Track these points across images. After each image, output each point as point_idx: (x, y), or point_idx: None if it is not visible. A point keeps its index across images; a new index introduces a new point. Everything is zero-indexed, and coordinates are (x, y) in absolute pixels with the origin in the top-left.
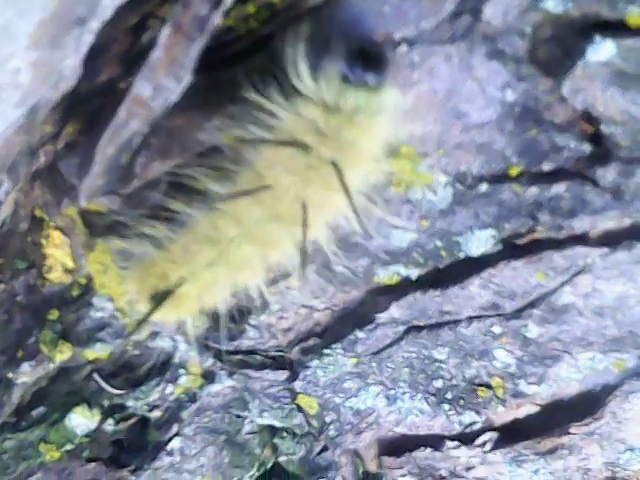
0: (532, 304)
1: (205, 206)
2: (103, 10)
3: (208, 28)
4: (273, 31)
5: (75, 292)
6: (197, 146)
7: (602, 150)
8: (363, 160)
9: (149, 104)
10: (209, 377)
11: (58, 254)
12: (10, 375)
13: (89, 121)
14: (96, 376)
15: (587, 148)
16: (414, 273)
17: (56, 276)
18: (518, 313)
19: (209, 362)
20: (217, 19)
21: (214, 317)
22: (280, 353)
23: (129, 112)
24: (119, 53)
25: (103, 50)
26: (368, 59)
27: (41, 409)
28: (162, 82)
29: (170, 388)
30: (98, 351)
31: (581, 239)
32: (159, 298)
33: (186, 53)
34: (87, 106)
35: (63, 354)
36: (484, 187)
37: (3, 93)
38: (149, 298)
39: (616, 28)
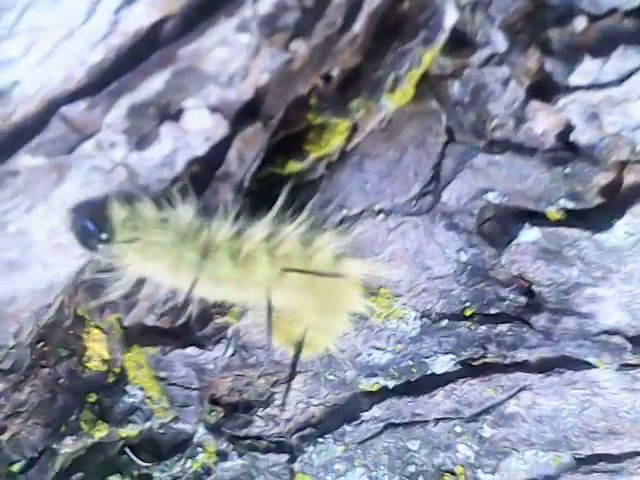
0: (485, 411)
1: None
2: None
3: None
4: None
5: (110, 379)
6: None
7: (535, 302)
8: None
9: None
10: (222, 455)
11: (97, 347)
12: (54, 446)
13: None
14: (128, 450)
15: (523, 300)
16: (391, 384)
17: (94, 365)
18: (475, 417)
19: (223, 444)
20: None
21: (229, 408)
22: (282, 439)
23: None
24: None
25: None
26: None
27: (79, 475)
28: None
29: (189, 463)
30: (130, 430)
31: (522, 365)
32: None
33: None
34: None
35: (101, 432)
36: (445, 322)
37: None
38: (293, 347)
39: (540, 218)
